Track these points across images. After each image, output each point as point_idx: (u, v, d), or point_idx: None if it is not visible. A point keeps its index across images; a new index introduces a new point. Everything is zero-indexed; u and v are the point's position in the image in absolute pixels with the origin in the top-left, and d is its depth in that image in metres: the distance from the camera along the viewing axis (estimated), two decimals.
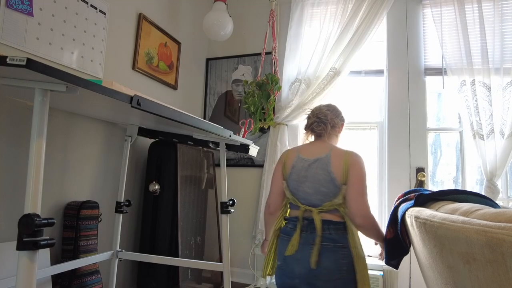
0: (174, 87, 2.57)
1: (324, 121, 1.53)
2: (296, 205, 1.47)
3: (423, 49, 2.50)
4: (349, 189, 1.39)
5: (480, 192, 1.17)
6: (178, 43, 2.61)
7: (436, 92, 2.60)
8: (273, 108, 2.58)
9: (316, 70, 2.50)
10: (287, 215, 1.55)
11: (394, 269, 1.55)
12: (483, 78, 2.20)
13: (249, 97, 2.54)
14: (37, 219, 0.81)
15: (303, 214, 1.42)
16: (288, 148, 2.55)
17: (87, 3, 1.77)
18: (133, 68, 2.13)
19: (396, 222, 1.35)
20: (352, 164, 1.42)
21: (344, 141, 1.70)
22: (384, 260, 1.53)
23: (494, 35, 2.22)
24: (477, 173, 2.40)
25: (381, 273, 2.20)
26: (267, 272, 1.51)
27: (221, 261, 2.04)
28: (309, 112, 1.61)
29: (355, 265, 1.37)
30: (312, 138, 1.64)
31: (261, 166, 2.69)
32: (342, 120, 1.62)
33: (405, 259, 1.88)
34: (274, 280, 1.54)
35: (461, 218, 0.83)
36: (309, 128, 1.55)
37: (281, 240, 1.50)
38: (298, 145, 1.68)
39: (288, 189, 1.49)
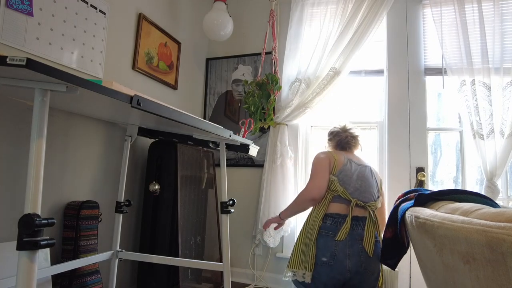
0: (174, 87, 2.57)
1: (356, 137, 1.86)
2: (346, 198, 1.61)
3: (423, 49, 2.50)
4: (383, 200, 1.78)
5: (480, 192, 1.17)
6: (178, 43, 2.61)
7: (436, 92, 2.60)
8: (273, 108, 2.58)
9: (316, 70, 2.50)
10: (327, 211, 1.62)
11: (395, 269, 1.56)
12: (483, 78, 2.20)
13: (249, 97, 2.54)
14: (37, 219, 0.80)
15: (353, 208, 1.59)
16: (288, 147, 2.56)
17: (87, 3, 1.77)
18: (133, 68, 2.13)
19: (396, 221, 1.35)
20: (382, 183, 1.83)
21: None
22: (380, 259, 1.55)
23: (494, 35, 2.22)
24: (477, 173, 2.40)
25: None
26: (310, 268, 1.53)
27: (221, 261, 2.04)
28: (338, 129, 1.89)
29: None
30: (329, 148, 1.92)
31: (261, 166, 2.69)
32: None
33: (405, 259, 1.90)
34: (304, 278, 1.55)
35: (461, 218, 0.83)
36: (344, 140, 1.83)
37: (324, 236, 1.54)
38: (328, 149, 1.92)
39: (339, 183, 1.63)
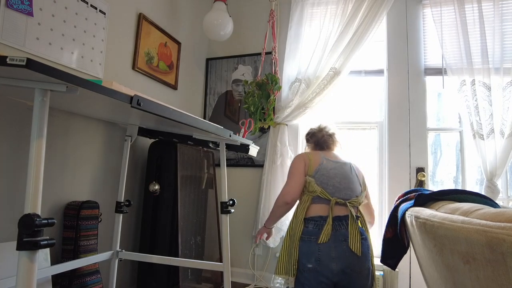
0: (174, 87, 2.57)
1: (332, 135, 1.83)
2: (325, 198, 1.57)
3: (423, 49, 2.50)
4: (367, 195, 1.76)
5: (480, 192, 1.17)
6: (178, 43, 2.61)
7: (436, 92, 2.60)
8: (273, 108, 2.58)
9: (316, 70, 2.50)
10: (307, 215, 1.58)
11: (395, 269, 1.56)
12: (483, 78, 2.20)
13: (249, 97, 2.54)
14: (37, 219, 0.80)
15: (333, 207, 1.55)
16: (288, 147, 2.56)
17: (87, 3, 1.77)
18: (133, 68, 2.13)
19: (396, 221, 1.35)
20: (364, 178, 1.78)
21: (345, 141, 1.85)
22: (380, 259, 1.54)
23: (494, 35, 2.22)
24: (477, 173, 2.40)
25: (381, 273, 2.20)
26: (293, 273, 1.51)
27: (221, 261, 2.04)
28: (314, 130, 1.88)
29: (371, 257, 1.54)
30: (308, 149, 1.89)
31: (261, 166, 2.69)
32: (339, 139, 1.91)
33: (405, 259, 1.90)
34: (288, 284, 1.54)
35: (461, 218, 0.83)
36: (321, 139, 1.81)
37: (306, 242, 1.52)
38: (307, 150, 1.91)
39: (316, 183, 1.60)
